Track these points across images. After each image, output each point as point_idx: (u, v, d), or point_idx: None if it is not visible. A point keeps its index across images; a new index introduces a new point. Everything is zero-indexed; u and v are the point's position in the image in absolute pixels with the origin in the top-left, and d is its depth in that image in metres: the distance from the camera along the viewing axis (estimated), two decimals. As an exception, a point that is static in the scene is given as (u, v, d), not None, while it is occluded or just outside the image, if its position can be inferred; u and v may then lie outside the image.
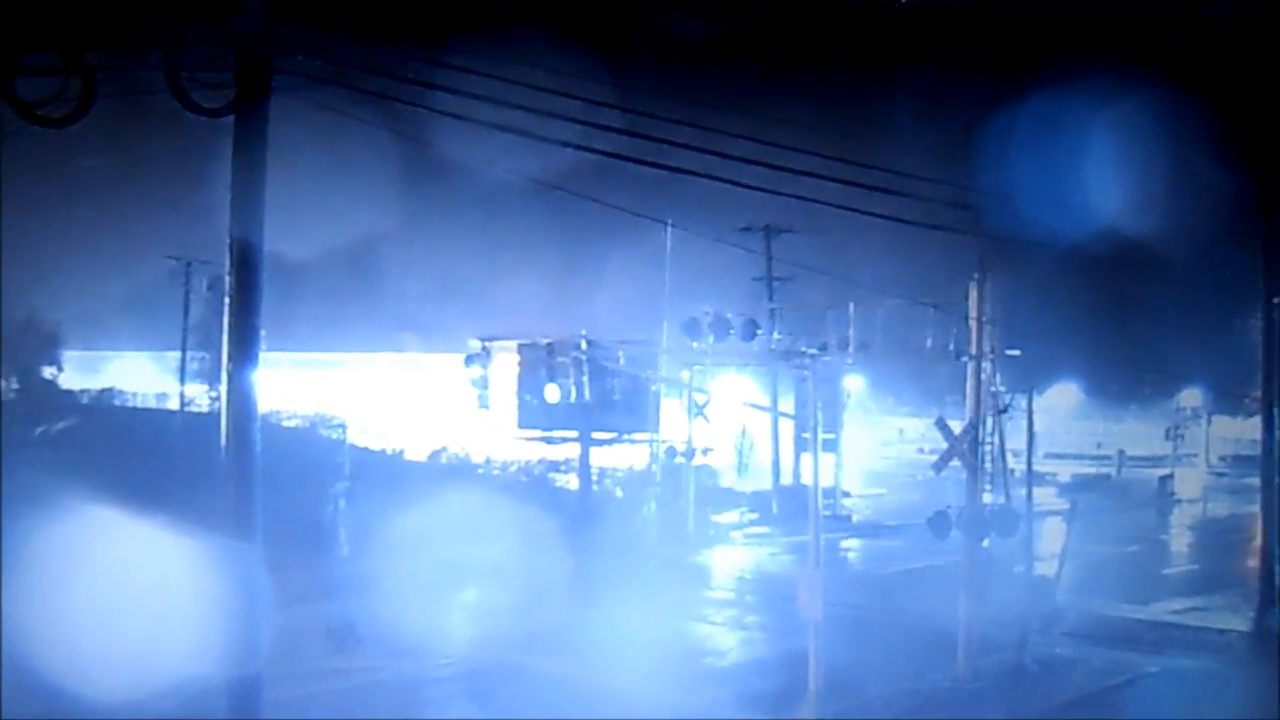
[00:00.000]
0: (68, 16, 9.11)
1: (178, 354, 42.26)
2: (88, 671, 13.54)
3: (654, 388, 32.10)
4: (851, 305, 22.75)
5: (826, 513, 22.31)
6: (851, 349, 22.78)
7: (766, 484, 39.90)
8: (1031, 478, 24.16)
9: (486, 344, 30.52)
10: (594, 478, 34.06)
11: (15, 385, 40.19)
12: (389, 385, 40.95)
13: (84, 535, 16.10)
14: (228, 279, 10.35)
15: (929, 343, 21.50)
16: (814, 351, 20.97)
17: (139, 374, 45.35)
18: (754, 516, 37.37)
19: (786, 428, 39.00)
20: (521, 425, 31.58)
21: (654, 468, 34.17)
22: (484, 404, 30.07)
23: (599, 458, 34.00)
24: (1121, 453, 55.61)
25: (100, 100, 9.60)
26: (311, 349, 39.47)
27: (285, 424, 35.18)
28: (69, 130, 9.78)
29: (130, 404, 42.37)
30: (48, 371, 41.42)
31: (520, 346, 30.63)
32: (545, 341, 30.04)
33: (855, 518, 38.03)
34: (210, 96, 9.82)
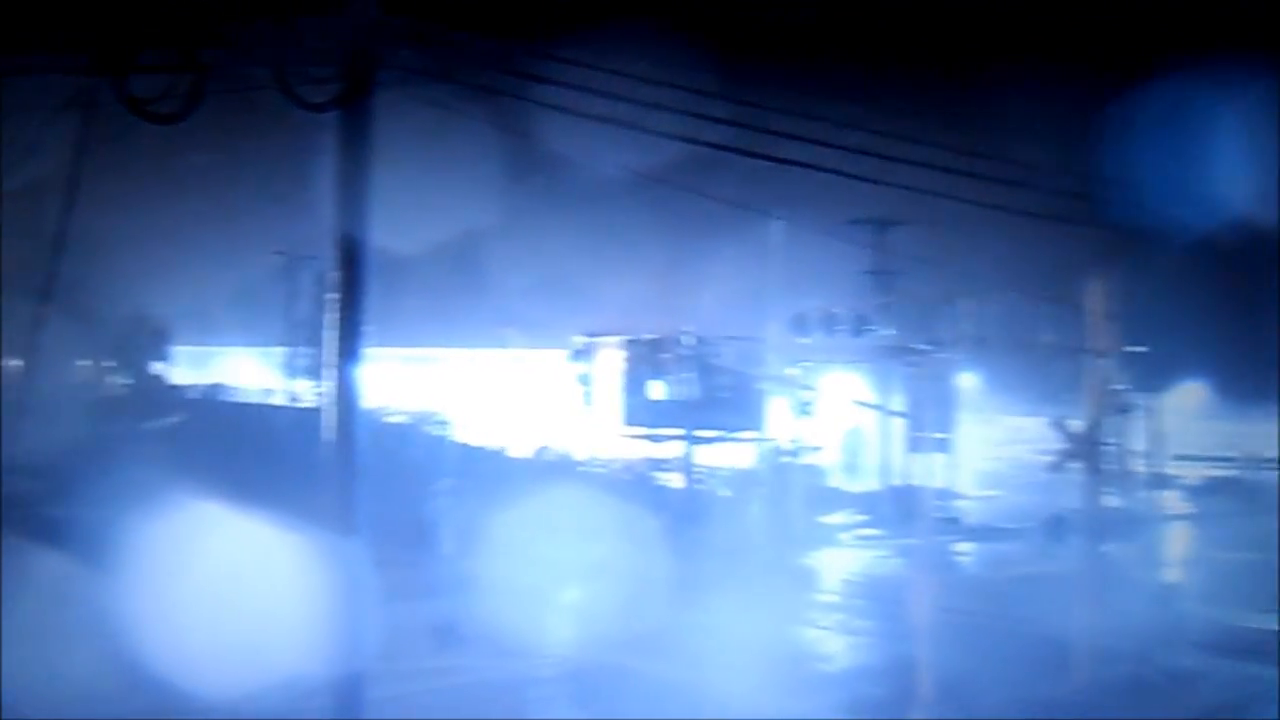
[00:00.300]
0: (179, 13, 9.32)
1: (284, 350, 43.11)
2: (193, 668, 13.87)
3: (760, 385, 31.94)
4: (965, 300, 22.41)
5: (938, 515, 22.00)
6: (965, 345, 22.45)
7: (876, 485, 39.45)
8: (1156, 480, 23.58)
9: (591, 340, 30.66)
10: (699, 477, 34.00)
11: (126, 381, 41.41)
12: (492, 381, 41.33)
13: (191, 531, 16.48)
14: (333, 274, 10.50)
15: (1046, 339, 21.10)
16: (926, 348, 20.73)
17: (245, 369, 46.44)
18: (863, 518, 37.00)
19: (897, 427, 38.41)
20: (625, 423, 31.67)
21: (760, 467, 34.00)
22: (588, 401, 30.22)
23: (704, 456, 33.92)
24: (1253, 455, 53.94)
25: (208, 96, 9.81)
26: (415, 345, 40.03)
27: (389, 420, 35.69)
28: (178, 126, 10.02)
29: (237, 400, 43.40)
30: (157, 367, 42.59)
31: (625, 343, 30.72)
32: (650, 338, 30.09)
33: (968, 520, 37.45)
34: (316, 92, 9.99)
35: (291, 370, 42.70)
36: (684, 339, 29.78)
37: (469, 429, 37.36)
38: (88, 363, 41.42)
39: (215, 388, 43.64)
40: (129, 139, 10.59)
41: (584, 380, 30.01)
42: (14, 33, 9.65)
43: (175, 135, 10.51)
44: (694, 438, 32.06)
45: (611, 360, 30.74)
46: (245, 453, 29.29)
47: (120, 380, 42.13)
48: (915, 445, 34.52)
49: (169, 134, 10.33)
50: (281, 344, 43.11)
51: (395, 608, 13.45)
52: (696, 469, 33.37)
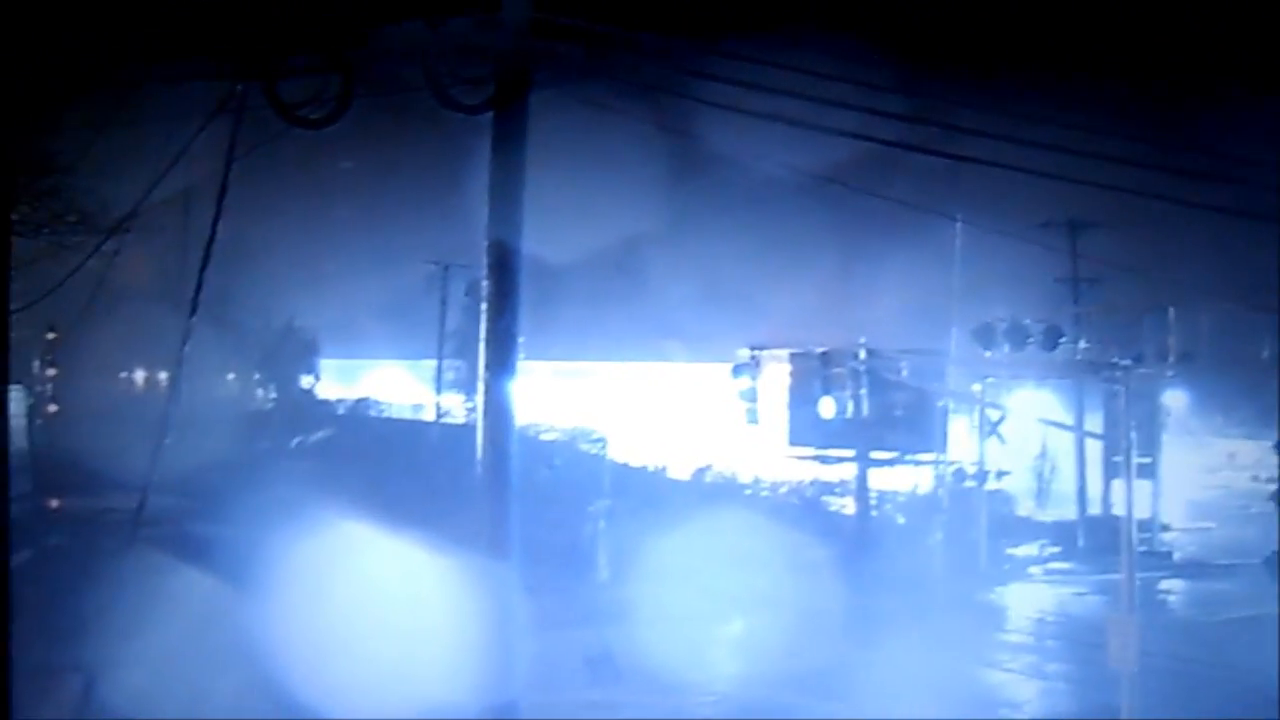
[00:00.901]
0: (328, 16, 9.62)
1: (434, 362, 44.09)
2: (337, 692, 14.26)
3: (941, 403, 31.50)
4: (1171, 310, 21.80)
5: (1142, 548, 21.39)
6: (1172, 360, 21.80)
7: (1071, 513, 38.54)
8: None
9: (756, 353, 30.58)
10: (873, 502, 33.65)
11: (273, 395, 42.91)
12: (652, 397, 41.59)
13: (337, 551, 16.96)
14: (485, 283, 10.66)
15: (1266, 353, 20.38)
16: (1127, 363, 20.19)
17: (395, 383, 47.64)
18: (1056, 550, 36.17)
19: (1094, 449, 37.56)
20: (793, 442, 31.53)
21: (941, 492, 33.52)
22: (753, 418, 30.14)
23: (878, 479, 33.57)
24: None
25: (358, 100, 10.09)
26: (571, 358, 40.54)
27: (543, 437, 36.21)
28: (327, 131, 10.34)
29: (386, 414, 44.55)
30: (305, 381, 44.02)
31: (793, 356, 30.59)
32: (820, 350, 29.88)
33: (1176, 555, 36.27)
34: (469, 93, 10.19)
35: (442, 384, 43.62)
36: (857, 352, 29.51)
37: (626, 447, 37.65)
38: (234, 376, 43.06)
39: (363, 402, 44.88)
40: (278, 145, 10.95)
41: (749, 396, 29.92)
42: (163, 39, 10.09)
43: (324, 141, 10.85)
44: (867, 459, 31.74)
45: (779, 375, 30.62)
46: (394, 470, 30.07)
47: (267, 394, 43.67)
48: (1114, 470, 33.73)
49: (318, 139, 10.66)
50: (431, 356, 44.07)
51: (548, 636, 13.63)
52: (870, 493, 33.04)
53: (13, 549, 4.06)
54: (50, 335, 36.63)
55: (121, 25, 9.83)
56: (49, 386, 39.82)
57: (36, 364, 38.73)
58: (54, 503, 29.97)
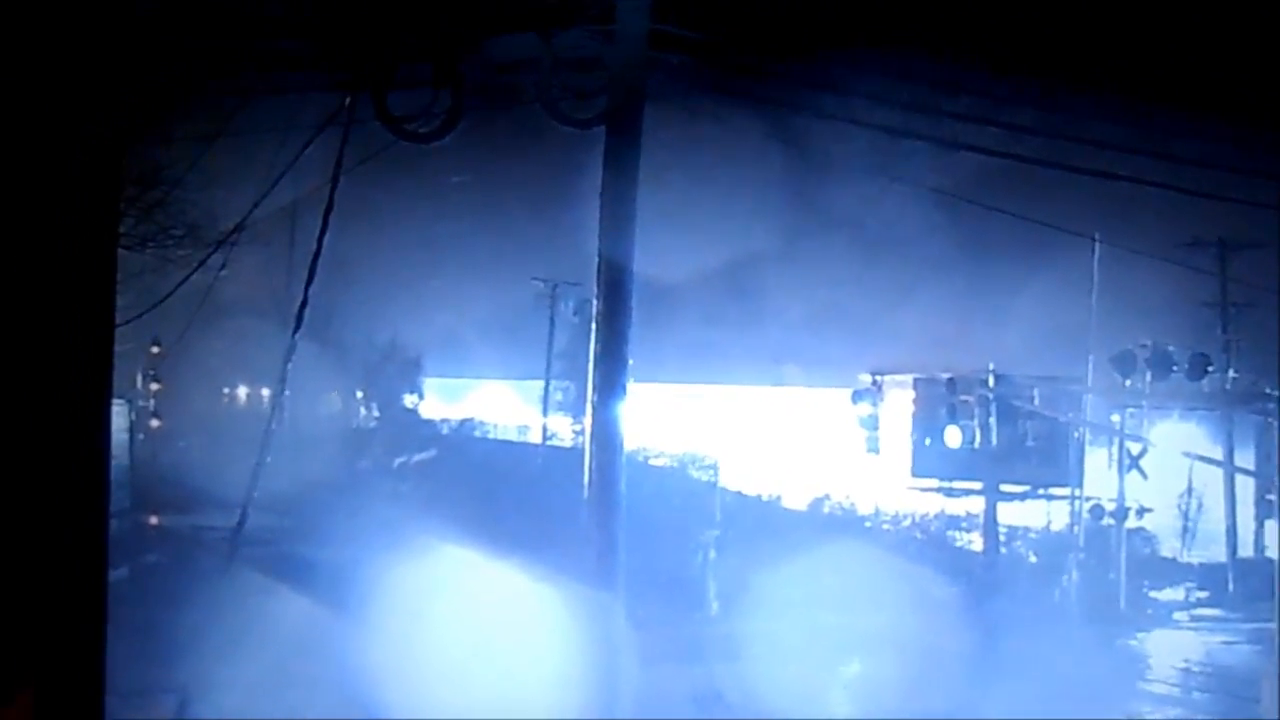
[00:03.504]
0: (438, 28, 9.84)
1: (541, 383, 44.46)
2: (431, 716, 14.46)
3: (1076, 433, 31.04)
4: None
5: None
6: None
7: (1219, 555, 37.67)
8: None
9: (878, 378, 30.44)
10: (1002, 538, 33.22)
11: (376, 414, 43.61)
12: (767, 422, 41.49)
13: (437, 577, 17.20)
14: (595, 302, 10.79)
15: None
16: (1280, 394, 19.76)
17: (500, 403, 48.09)
18: (1203, 595, 35.37)
19: (1245, 487, 36.72)
20: (916, 473, 31.27)
21: (1076, 529, 32.98)
22: (873, 447, 29.99)
23: (1008, 514, 33.13)
24: None
25: (468, 113, 10.30)
26: (683, 380, 40.59)
27: (653, 462, 36.33)
28: (436, 145, 10.56)
29: (491, 435, 45.01)
30: (409, 400, 44.67)
31: (916, 381, 30.37)
32: (946, 376, 29.65)
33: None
34: (581, 107, 10.35)
35: (549, 405, 43.96)
36: (986, 378, 29.21)
37: (740, 474, 37.60)
38: (337, 393, 43.85)
39: (467, 422, 45.39)
40: (386, 159, 11.20)
41: (870, 423, 29.78)
42: (273, 50, 10.40)
43: (433, 154, 11.08)
44: (996, 492, 31.36)
45: (902, 401, 30.42)
46: (498, 493, 30.38)
47: (370, 412, 44.39)
48: (1267, 510, 32.93)
49: (427, 153, 10.90)
50: (539, 377, 44.44)
51: (655, 671, 13.67)
52: (999, 529, 32.62)
53: (111, 566, 4.23)
54: (154, 349, 37.67)
55: (232, 35, 10.16)
56: (152, 401, 40.94)
57: (140, 378, 39.84)
58: (153, 519, 30.80)
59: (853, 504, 37.37)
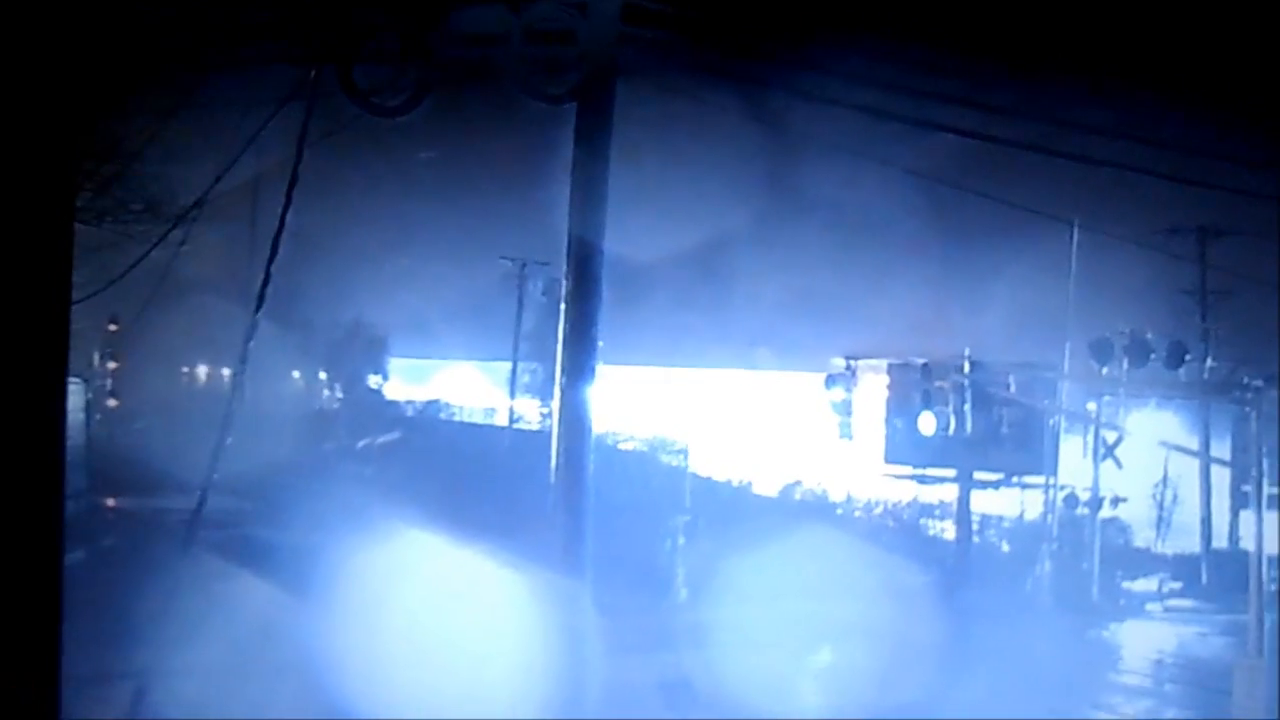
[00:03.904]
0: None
1: (508, 364, 44.38)
2: (397, 704, 14.44)
3: (1052, 421, 31.18)
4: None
5: (1273, 586, 21.00)
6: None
7: (1194, 546, 37.97)
8: None
9: (852, 363, 30.51)
10: (975, 526, 33.39)
11: (339, 394, 43.47)
12: (738, 407, 41.55)
13: (401, 562, 17.17)
14: (564, 282, 10.76)
15: None
16: (1259, 383, 19.91)
17: (467, 385, 48.00)
18: (1177, 586, 35.64)
19: (1221, 477, 36.97)
20: (889, 459, 31.37)
21: (1050, 518, 33.15)
22: (846, 433, 30.06)
23: (982, 502, 33.30)
24: None
25: (436, 87, 10.23)
26: (653, 363, 40.59)
27: (622, 446, 36.34)
28: (402, 119, 10.50)
29: (456, 417, 44.93)
30: (373, 380, 44.55)
31: (891, 367, 30.44)
32: (921, 362, 29.73)
33: (1311, 594, 35.60)
34: (552, 82, 10.29)
35: (516, 387, 43.90)
36: (961, 364, 29.30)
37: (710, 459, 37.66)
38: (299, 373, 43.70)
39: (433, 404, 45.30)
40: (351, 133, 11.14)
41: (843, 409, 29.84)
42: (236, 21, 10.31)
43: (400, 129, 11.01)
44: (970, 480, 31.50)
45: (875, 387, 30.49)
46: (463, 476, 30.33)
47: (333, 393, 44.25)
48: (1243, 501, 33.13)
49: (393, 128, 10.83)
50: (506, 358, 44.36)
51: (621, 659, 13.68)
52: (972, 517, 32.77)
53: (66, 549, 4.18)
54: (112, 327, 37.42)
55: (193, 7, 10.07)
56: (109, 380, 40.68)
57: (97, 357, 39.58)
58: (110, 502, 30.61)
59: (825, 490, 37.49)
